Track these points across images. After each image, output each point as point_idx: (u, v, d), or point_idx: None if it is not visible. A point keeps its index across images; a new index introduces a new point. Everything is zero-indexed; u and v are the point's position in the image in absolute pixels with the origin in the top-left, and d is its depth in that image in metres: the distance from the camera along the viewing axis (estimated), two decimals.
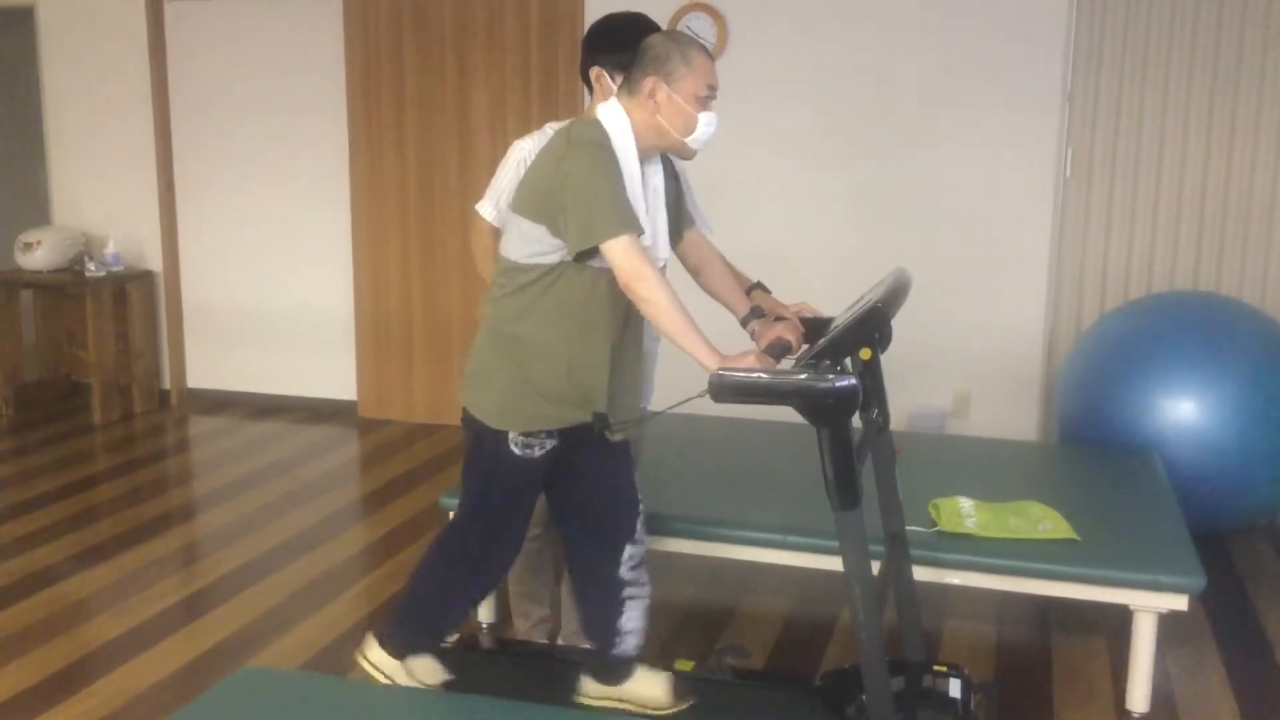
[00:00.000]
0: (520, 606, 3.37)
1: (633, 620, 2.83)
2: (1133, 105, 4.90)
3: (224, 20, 6.17)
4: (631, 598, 2.83)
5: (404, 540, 4.45)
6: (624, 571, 2.81)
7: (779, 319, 2.83)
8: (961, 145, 5.15)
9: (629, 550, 2.81)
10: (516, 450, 2.68)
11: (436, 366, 6.10)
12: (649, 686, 2.84)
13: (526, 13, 5.66)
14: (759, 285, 2.99)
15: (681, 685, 2.89)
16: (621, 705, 2.85)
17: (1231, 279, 4.88)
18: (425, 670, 2.88)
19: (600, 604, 2.84)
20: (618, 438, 2.74)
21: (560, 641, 3.34)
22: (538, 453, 2.69)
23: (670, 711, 2.84)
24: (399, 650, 2.88)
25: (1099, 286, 5.06)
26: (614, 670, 2.86)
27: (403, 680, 2.87)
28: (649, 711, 2.83)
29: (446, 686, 2.88)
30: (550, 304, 2.61)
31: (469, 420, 2.74)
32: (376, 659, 2.89)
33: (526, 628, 3.38)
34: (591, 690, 2.89)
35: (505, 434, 2.67)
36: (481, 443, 2.72)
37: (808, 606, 3.88)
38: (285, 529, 4.56)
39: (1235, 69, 4.76)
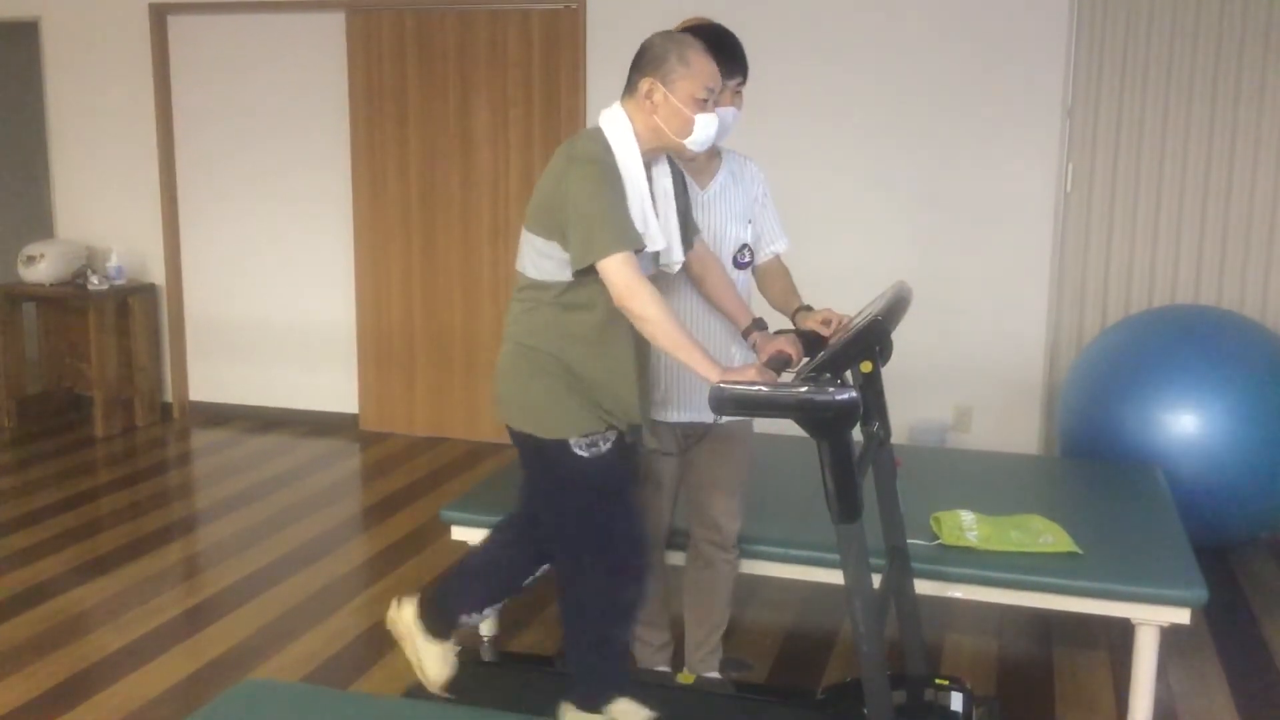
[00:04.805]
0: (640, 634, 3.22)
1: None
2: (1133, 119, 4.91)
3: (227, 35, 6.19)
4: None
5: (405, 553, 4.44)
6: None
7: (780, 332, 2.83)
8: (962, 159, 5.16)
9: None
10: (584, 453, 2.60)
11: (438, 380, 6.11)
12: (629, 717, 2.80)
13: (528, 30, 5.69)
14: (806, 306, 2.96)
15: (722, 676, 2.86)
16: None
17: (1232, 293, 4.89)
18: (629, 713, 2.76)
19: (587, 622, 2.80)
20: (650, 450, 2.73)
21: (686, 669, 3.22)
22: (604, 447, 2.62)
23: None
24: (597, 705, 2.77)
25: (1100, 300, 5.06)
26: (596, 695, 2.79)
27: None
28: None
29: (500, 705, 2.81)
30: (574, 320, 2.59)
31: (525, 439, 2.65)
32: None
33: (649, 654, 3.26)
34: (571, 718, 2.83)
35: (566, 442, 2.59)
36: (547, 460, 2.63)
37: (809, 620, 3.87)
38: (287, 542, 4.56)
39: (1235, 82, 4.78)
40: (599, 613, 2.74)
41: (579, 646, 2.79)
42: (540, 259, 2.59)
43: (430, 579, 4.17)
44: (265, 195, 6.28)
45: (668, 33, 2.65)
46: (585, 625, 2.76)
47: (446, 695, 2.92)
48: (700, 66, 2.54)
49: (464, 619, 2.94)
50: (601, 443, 2.62)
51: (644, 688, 2.85)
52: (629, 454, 2.71)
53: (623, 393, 2.64)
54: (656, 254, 2.65)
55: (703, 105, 2.55)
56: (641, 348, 2.68)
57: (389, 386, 6.20)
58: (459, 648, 2.99)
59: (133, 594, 4.04)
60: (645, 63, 2.56)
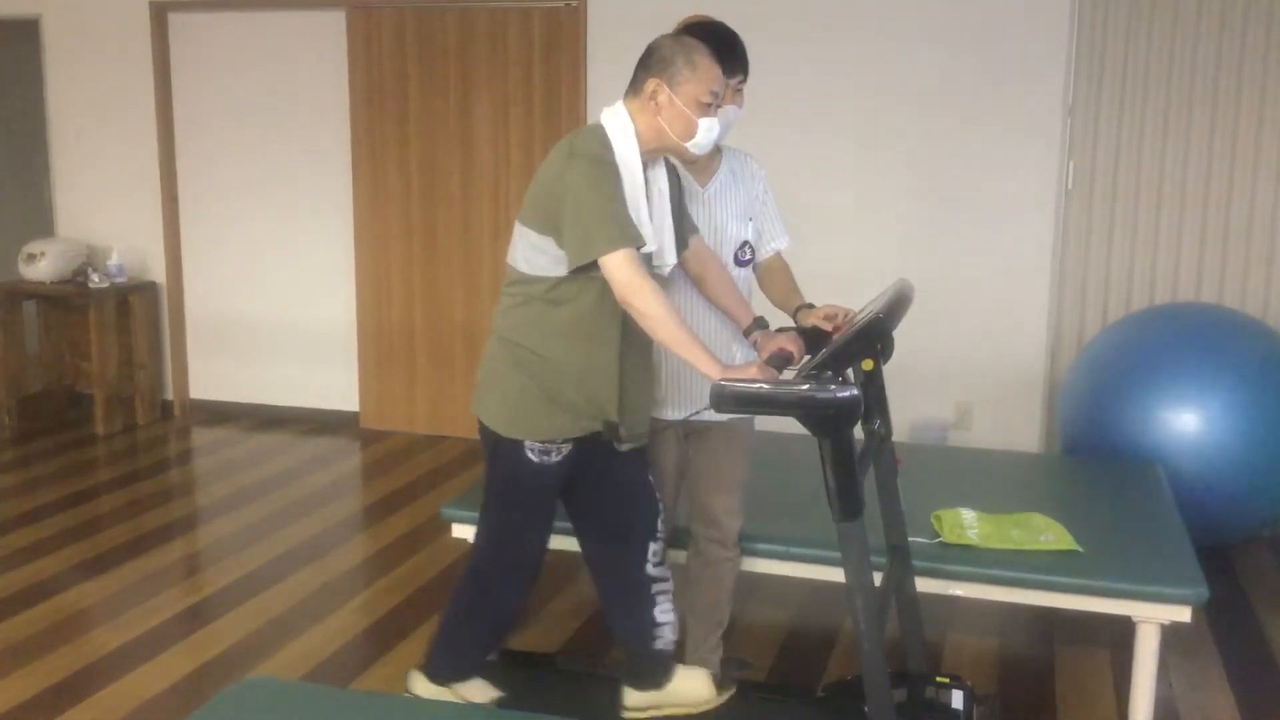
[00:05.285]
0: None
1: (665, 613, 2.86)
2: (1134, 117, 4.91)
3: (228, 34, 6.19)
4: (661, 592, 2.86)
5: (406, 551, 4.45)
6: (650, 568, 2.84)
7: (781, 330, 2.83)
8: (963, 158, 5.16)
9: (653, 547, 2.84)
10: (534, 458, 2.69)
11: (438, 378, 6.11)
12: (691, 683, 2.85)
13: (529, 28, 5.68)
14: (808, 304, 2.96)
15: (721, 674, 2.89)
16: (667, 711, 2.84)
17: (1233, 290, 4.89)
18: (475, 691, 2.89)
19: (633, 604, 2.86)
20: (626, 447, 2.75)
21: (688, 661, 3.19)
22: (554, 459, 2.70)
23: (716, 704, 2.84)
24: (445, 679, 2.89)
25: (1101, 298, 5.06)
26: (654, 673, 2.86)
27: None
28: (695, 710, 2.83)
29: (499, 703, 2.88)
30: (560, 315, 2.61)
31: (485, 430, 2.75)
32: (425, 692, 2.89)
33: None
34: (635, 701, 2.88)
35: (522, 442, 2.68)
36: (499, 452, 2.74)
37: (810, 618, 3.87)
38: (287, 540, 4.56)
39: (1237, 80, 4.77)
40: (485, 596, 2.86)
41: (454, 618, 2.91)
42: (533, 253, 2.59)
43: (429, 578, 4.18)
44: (266, 193, 6.27)
45: (675, 36, 2.66)
46: (462, 601, 2.88)
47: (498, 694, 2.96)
48: (706, 70, 2.55)
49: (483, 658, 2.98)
50: (555, 453, 2.70)
51: (495, 670, 2.94)
52: (573, 465, 2.75)
53: (602, 389, 2.67)
54: (649, 255, 2.65)
55: (707, 109, 2.56)
56: (630, 345, 2.68)
57: (390, 384, 6.20)
58: (493, 660, 3.03)
59: (133, 592, 4.04)
60: (652, 64, 2.57)
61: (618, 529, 2.83)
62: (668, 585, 2.87)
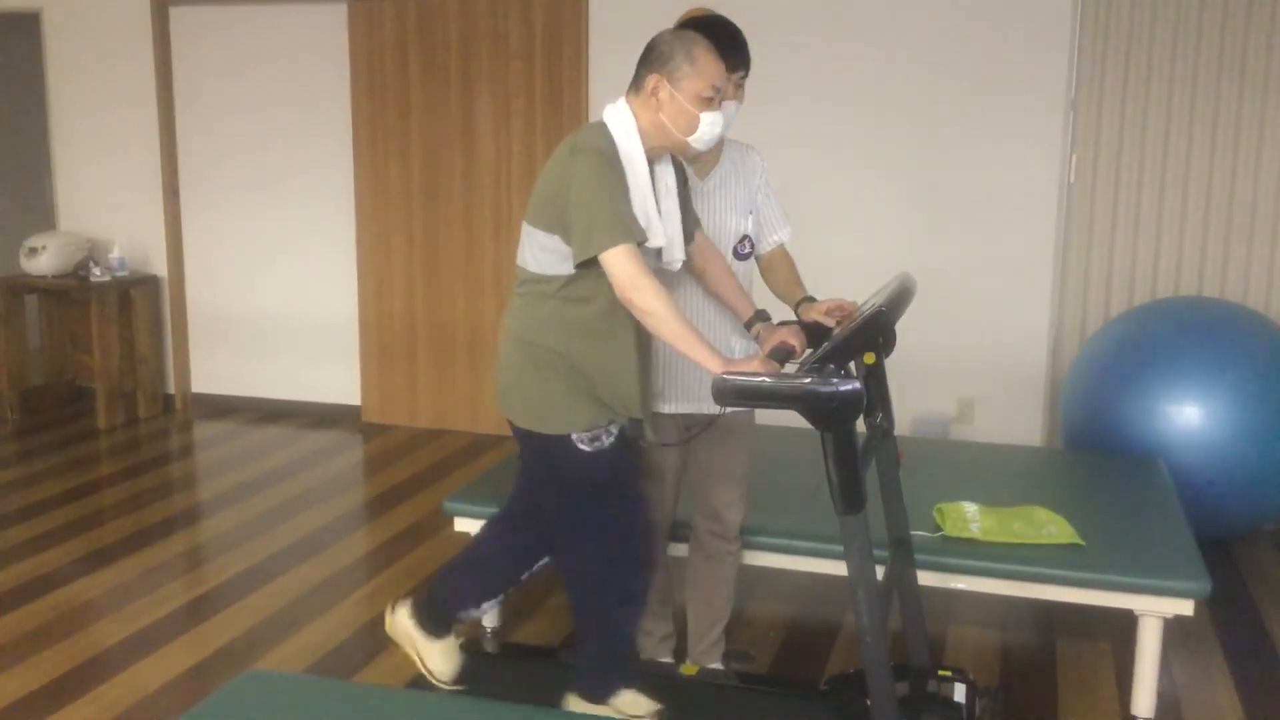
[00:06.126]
0: (643, 625, 3.18)
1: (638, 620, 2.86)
2: (1137, 110, 4.90)
3: (229, 26, 6.18)
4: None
5: (408, 545, 4.45)
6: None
7: (783, 324, 2.83)
8: (966, 151, 5.15)
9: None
10: (586, 448, 2.62)
11: (440, 372, 6.11)
12: (632, 708, 2.81)
13: (530, 20, 5.67)
14: (810, 297, 2.95)
15: (724, 667, 2.88)
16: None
17: (1236, 284, 4.88)
18: (633, 704, 2.79)
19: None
20: (651, 439, 2.74)
21: (689, 661, 3.23)
22: (607, 441, 2.63)
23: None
24: (602, 697, 2.80)
25: (1104, 292, 5.06)
26: (604, 687, 2.82)
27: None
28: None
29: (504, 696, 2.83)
30: (577, 313, 2.59)
31: (527, 436, 2.66)
32: (589, 711, 2.80)
33: (651, 645, 3.25)
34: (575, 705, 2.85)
35: (568, 437, 2.61)
36: (550, 456, 2.65)
37: (812, 611, 3.87)
38: (289, 534, 4.56)
39: (1240, 73, 4.76)
40: (604, 605, 2.76)
41: (586, 637, 2.81)
42: (541, 253, 2.58)
43: (431, 571, 4.18)
44: (267, 186, 6.27)
45: (676, 31, 2.65)
46: (592, 617, 2.78)
47: (457, 687, 2.92)
48: (707, 65, 2.54)
49: (462, 614, 2.95)
50: (605, 436, 2.63)
51: (649, 679, 2.86)
52: (630, 446, 2.71)
53: (625, 386, 2.64)
54: (658, 250, 2.64)
55: (708, 104, 2.55)
56: (644, 340, 2.68)
57: (391, 378, 6.20)
58: (461, 639, 3.00)
59: (136, 585, 4.04)
60: (652, 60, 2.56)
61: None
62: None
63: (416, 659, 2.95)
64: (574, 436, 2.60)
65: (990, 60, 5.06)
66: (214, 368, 6.55)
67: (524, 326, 2.65)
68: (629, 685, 2.81)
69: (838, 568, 3.03)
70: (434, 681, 2.93)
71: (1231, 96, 4.79)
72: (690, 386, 2.97)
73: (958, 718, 2.76)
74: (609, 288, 2.52)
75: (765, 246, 3.07)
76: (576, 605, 2.80)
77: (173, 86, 6.31)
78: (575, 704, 2.81)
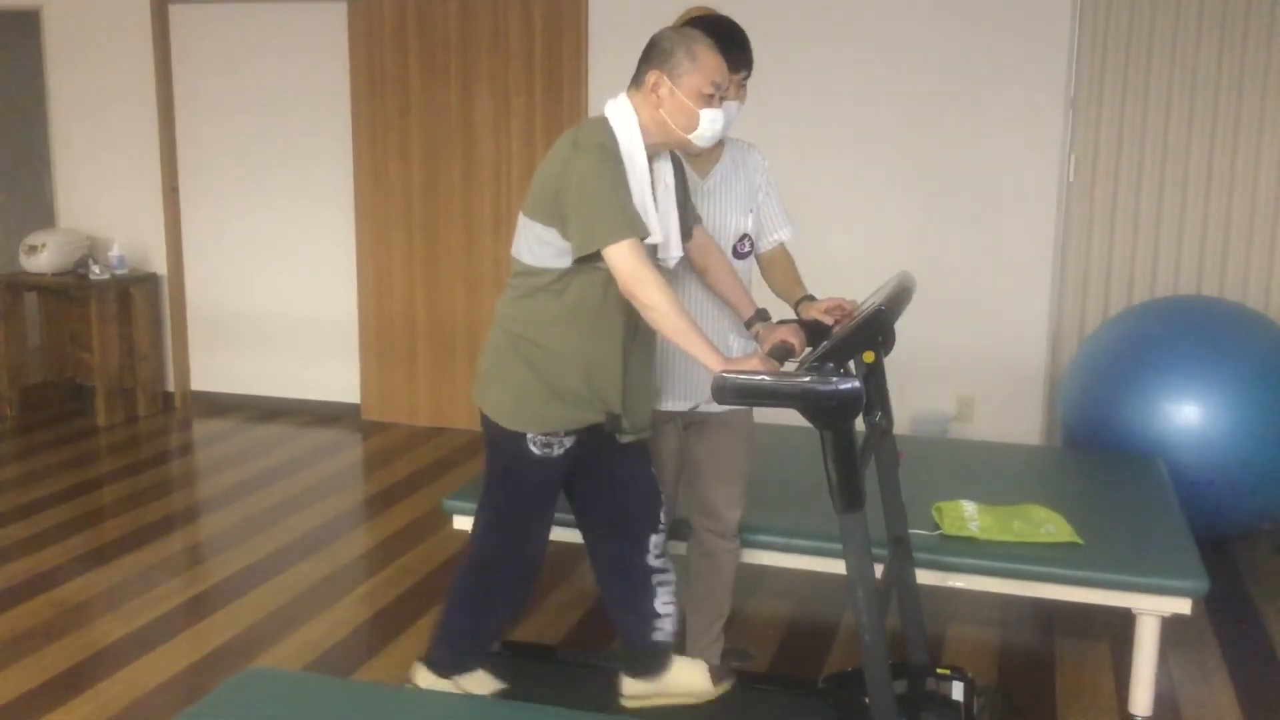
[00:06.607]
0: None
1: (666, 605, 2.86)
2: (1136, 109, 4.90)
3: (229, 24, 6.18)
4: (662, 583, 2.86)
5: (407, 543, 4.45)
6: (651, 560, 2.84)
7: (783, 322, 2.83)
8: (965, 150, 5.15)
9: (654, 539, 2.84)
10: (535, 450, 2.68)
11: (440, 370, 6.11)
12: (689, 674, 2.85)
13: (530, 18, 5.67)
14: (809, 296, 2.96)
15: (720, 669, 2.90)
16: (665, 700, 2.85)
17: (1235, 283, 4.88)
18: (477, 683, 2.88)
19: (633, 595, 2.86)
20: (628, 439, 2.75)
21: (689, 653, 3.18)
22: (557, 452, 2.69)
23: (711, 697, 2.85)
24: (446, 671, 2.88)
25: (1103, 291, 5.06)
26: (652, 663, 2.86)
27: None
28: (692, 701, 2.84)
29: (500, 694, 2.88)
30: (563, 307, 2.61)
31: (487, 422, 2.75)
32: (427, 683, 2.88)
33: None
34: (633, 689, 2.89)
35: (524, 435, 2.67)
36: (500, 444, 2.73)
37: (810, 609, 3.88)
38: (289, 531, 4.56)
39: (1239, 72, 4.76)
40: (478, 587, 2.86)
41: (454, 611, 2.90)
42: (538, 245, 2.59)
43: (431, 570, 4.18)
44: (267, 184, 6.27)
45: (677, 28, 2.66)
46: (462, 593, 2.88)
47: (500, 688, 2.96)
48: (707, 62, 2.54)
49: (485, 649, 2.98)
50: (557, 446, 2.69)
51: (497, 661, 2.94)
52: (575, 459, 2.74)
53: (606, 380, 2.66)
54: (654, 248, 2.65)
55: (709, 100, 2.55)
56: (634, 337, 2.68)
57: (391, 376, 6.20)
58: (496, 652, 3.04)
59: (135, 583, 4.04)
60: (653, 56, 2.57)
61: (619, 521, 2.84)
62: (669, 577, 2.88)
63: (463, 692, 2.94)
64: (529, 436, 2.67)
65: (990, 60, 5.07)
66: (213, 365, 6.55)
67: (511, 317, 2.69)
68: (478, 666, 2.90)
69: (836, 566, 3.03)
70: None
71: (1231, 96, 4.79)
72: (693, 383, 2.97)
73: (956, 716, 2.77)
74: (601, 283, 2.54)
75: (765, 245, 3.08)
76: (459, 580, 2.89)
77: (172, 84, 6.31)
78: (420, 674, 2.90)
